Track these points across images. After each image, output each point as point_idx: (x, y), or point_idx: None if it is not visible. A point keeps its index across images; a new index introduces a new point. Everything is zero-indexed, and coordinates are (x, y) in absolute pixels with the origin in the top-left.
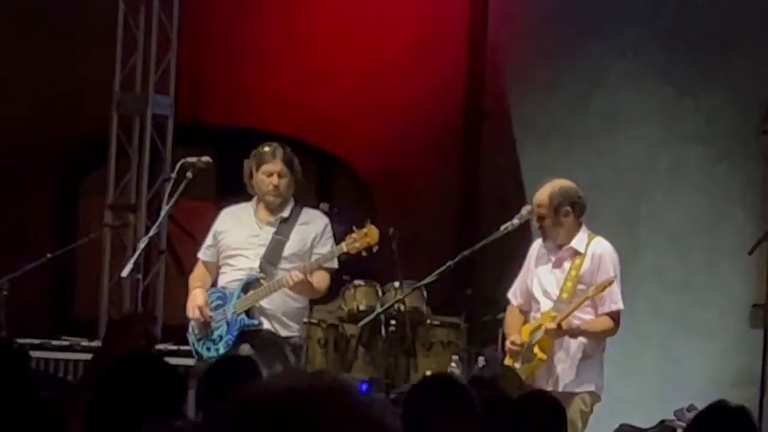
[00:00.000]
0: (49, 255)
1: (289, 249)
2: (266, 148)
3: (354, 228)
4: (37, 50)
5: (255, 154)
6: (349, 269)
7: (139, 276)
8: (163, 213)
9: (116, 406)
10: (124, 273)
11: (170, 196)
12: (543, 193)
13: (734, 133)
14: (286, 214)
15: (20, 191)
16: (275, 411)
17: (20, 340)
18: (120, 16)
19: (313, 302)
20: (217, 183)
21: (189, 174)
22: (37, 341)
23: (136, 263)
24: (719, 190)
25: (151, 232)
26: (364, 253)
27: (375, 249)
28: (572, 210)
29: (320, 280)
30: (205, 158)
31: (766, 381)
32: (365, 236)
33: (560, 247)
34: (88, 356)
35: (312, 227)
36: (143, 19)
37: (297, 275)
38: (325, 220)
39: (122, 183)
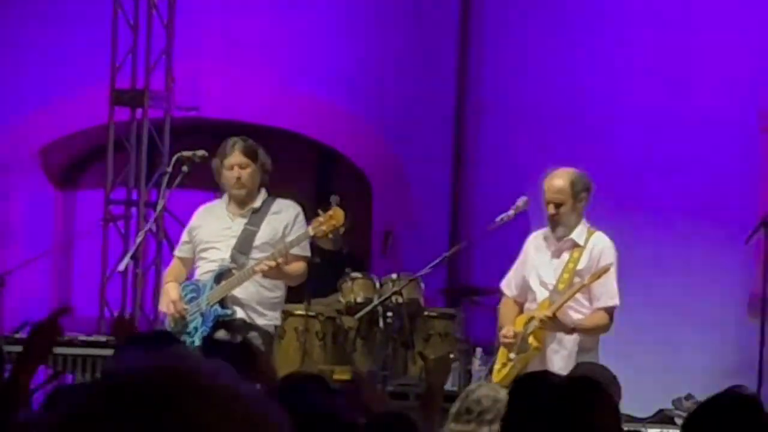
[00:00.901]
0: (48, 249)
1: (260, 238)
2: (227, 142)
3: (319, 211)
4: (32, 47)
5: (219, 151)
6: (348, 262)
7: (138, 270)
8: (159, 207)
9: None
10: (121, 267)
11: (166, 189)
12: (562, 179)
13: (731, 122)
14: (257, 204)
15: (18, 185)
16: (123, 393)
17: (19, 335)
18: (115, 11)
19: (311, 296)
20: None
21: (185, 168)
22: None
23: (133, 257)
24: (714, 180)
25: (148, 225)
26: (330, 236)
27: (341, 231)
28: (587, 197)
29: (294, 267)
30: (201, 152)
31: (763, 371)
32: (330, 218)
33: (560, 238)
34: (88, 350)
35: (283, 216)
36: (138, 14)
37: (267, 262)
38: (297, 208)
39: (120, 177)
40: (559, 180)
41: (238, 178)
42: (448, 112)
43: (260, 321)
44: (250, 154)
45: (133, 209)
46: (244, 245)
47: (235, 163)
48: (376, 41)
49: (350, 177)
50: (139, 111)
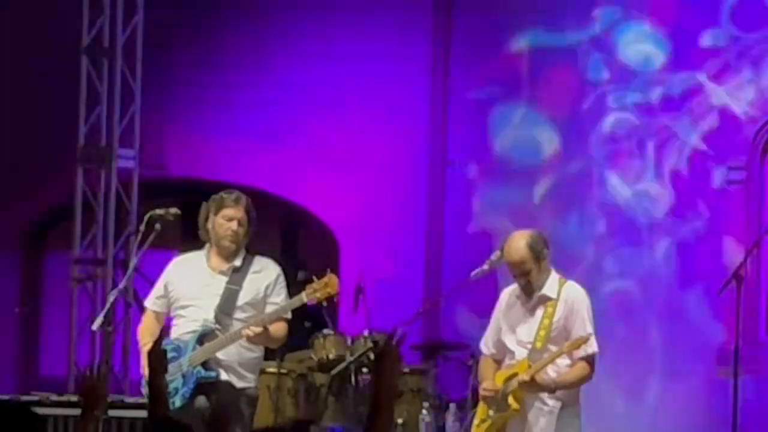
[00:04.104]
0: (16, 309)
1: (242, 298)
2: (229, 194)
3: (314, 277)
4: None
5: (215, 199)
6: (313, 318)
7: (109, 329)
8: (131, 266)
9: None
10: (95, 326)
11: (138, 248)
12: (519, 248)
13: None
14: (238, 263)
15: None
16: None
17: None
18: (83, 69)
19: (282, 351)
20: (183, 234)
21: (157, 226)
22: (5, 396)
23: (105, 316)
24: (685, 231)
25: (121, 285)
26: (324, 303)
27: (335, 298)
28: (548, 252)
29: (277, 329)
30: (173, 210)
31: (737, 425)
32: (325, 286)
33: (531, 296)
34: (58, 411)
35: (264, 275)
36: (106, 72)
37: (256, 328)
38: (278, 269)
39: (88, 236)
40: (517, 249)
41: (235, 232)
42: (417, 166)
43: (240, 384)
44: (250, 213)
45: (102, 268)
46: (227, 305)
47: (235, 217)
48: (342, 100)
49: (316, 234)
50: (106, 170)
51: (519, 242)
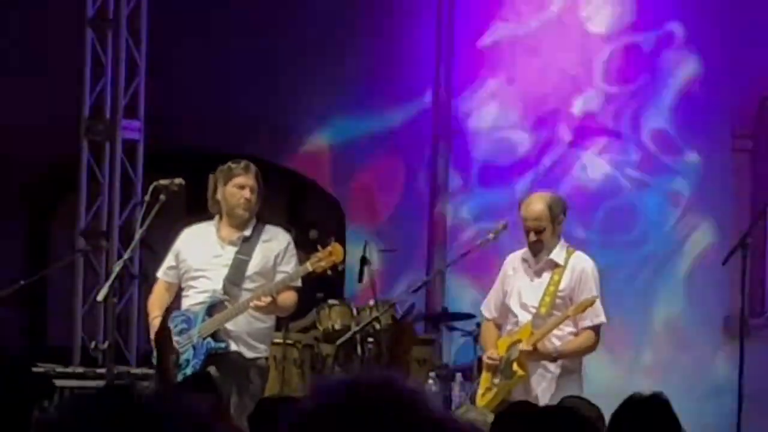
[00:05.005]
0: (22, 282)
1: (252, 268)
2: (238, 163)
3: (319, 246)
4: (5, 76)
5: (223, 169)
6: (321, 288)
7: (115, 300)
8: (137, 237)
9: None
10: (100, 297)
11: (143, 219)
12: (538, 206)
13: (706, 142)
14: (248, 233)
15: None
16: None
17: None
18: (88, 41)
19: (287, 321)
20: (188, 206)
21: (162, 197)
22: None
23: (111, 287)
24: (690, 200)
25: (126, 256)
26: (329, 272)
27: (340, 267)
28: (564, 219)
29: (286, 298)
30: (178, 180)
31: (743, 393)
32: (330, 255)
33: (539, 260)
34: (65, 382)
35: (275, 244)
36: (111, 44)
37: (264, 298)
38: (288, 237)
39: (93, 209)
40: (536, 207)
41: (248, 200)
42: (423, 134)
43: (250, 354)
44: (259, 181)
45: (107, 240)
46: (236, 276)
47: (247, 185)
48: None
49: (322, 204)
50: (111, 142)
51: (539, 200)
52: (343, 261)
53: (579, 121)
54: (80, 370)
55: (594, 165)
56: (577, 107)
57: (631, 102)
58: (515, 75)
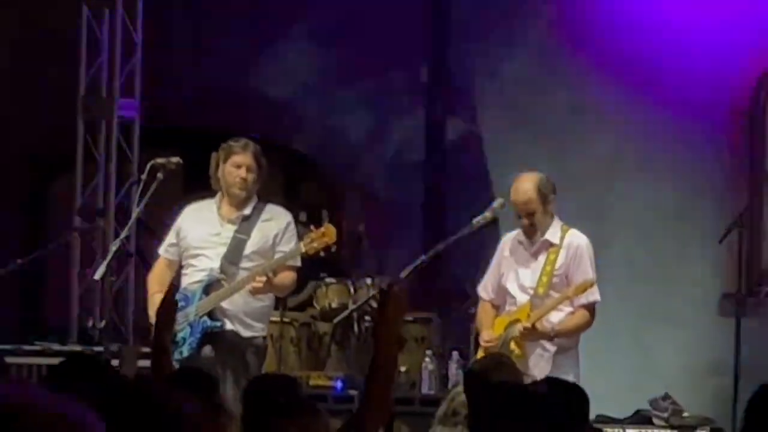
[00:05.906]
0: (18, 261)
1: (250, 247)
2: (237, 142)
3: (312, 227)
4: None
5: (224, 147)
6: (321, 267)
7: (113, 278)
8: (134, 215)
9: None
10: (97, 275)
11: (140, 198)
12: (527, 188)
13: (700, 123)
14: (247, 211)
15: None
16: None
17: None
18: (84, 20)
19: (284, 301)
20: (185, 185)
21: (159, 175)
22: (9, 347)
23: (108, 266)
24: (686, 179)
25: (123, 235)
26: (322, 253)
27: (333, 248)
28: (555, 198)
29: (284, 278)
30: (175, 159)
31: (739, 370)
32: (323, 236)
33: (535, 241)
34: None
35: (274, 224)
36: (107, 22)
37: (260, 278)
38: (288, 217)
39: (90, 187)
40: (525, 189)
41: (244, 179)
42: (419, 117)
43: (246, 333)
44: (259, 160)
45: (104, 218)
46: (234, 254)
47: (243, 164)
48: (343, 46)
49: (319, 184)
50: (108, 120)
51: (527, 182)
52: (336, 242)
53: None
54: (78, 348)
55: None
56: None
57: None
58: None
